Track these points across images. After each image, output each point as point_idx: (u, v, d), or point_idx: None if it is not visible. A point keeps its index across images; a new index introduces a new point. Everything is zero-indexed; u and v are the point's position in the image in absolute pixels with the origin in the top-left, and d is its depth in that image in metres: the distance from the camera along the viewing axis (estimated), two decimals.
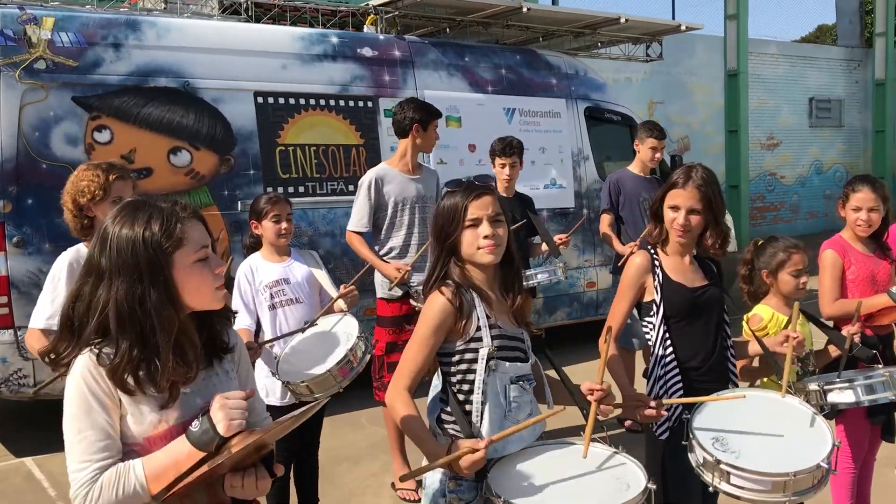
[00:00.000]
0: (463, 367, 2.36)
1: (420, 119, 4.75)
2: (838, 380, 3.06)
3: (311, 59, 6.52)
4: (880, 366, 3.39)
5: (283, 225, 3.96)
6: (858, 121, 20.41)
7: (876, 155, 20.19)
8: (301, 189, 6.32)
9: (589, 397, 2.31)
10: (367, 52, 6.77)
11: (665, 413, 2.65)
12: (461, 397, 2.36)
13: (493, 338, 2.34)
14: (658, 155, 5.64)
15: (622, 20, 7.99)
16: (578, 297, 7.97)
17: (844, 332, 3.42)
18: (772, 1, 43.51)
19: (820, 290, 3.81)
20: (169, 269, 1.82)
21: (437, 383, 2.49)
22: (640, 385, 3.08)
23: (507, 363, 2.36)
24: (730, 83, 16.97)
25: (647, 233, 2.99)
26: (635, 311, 5.62)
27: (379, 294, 4.80)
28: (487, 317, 2.36)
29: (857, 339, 3.37)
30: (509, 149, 5.09)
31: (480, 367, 2.32)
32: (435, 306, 2.33)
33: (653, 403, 2.57)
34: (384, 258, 4.76)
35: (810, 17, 63.42)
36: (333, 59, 6.62)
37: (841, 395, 3.04)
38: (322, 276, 4.05)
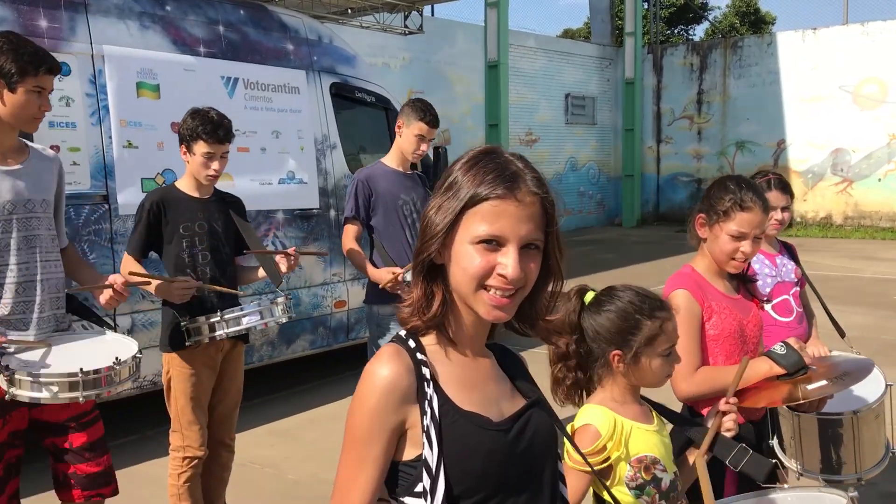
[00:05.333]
0: None
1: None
2: None
3: None
4: (785, 485, 2.14)
5: None
6: (609, 119, 20.87)
7: (626, 153, 20.64)
8: None
9: None
10: None
11: None
12: None
13: None
14: (424, 147, 3.98)
15: None
16: (324, 320, 6.34)
17: (720, 406, 2.13)
18: None
19: None
20: None
21: None
22: None
23: None
24: (490, 75, 16.27)
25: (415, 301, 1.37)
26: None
27: None
28: None
29: (730, 423, 2.09)
30: (226, 133, 3.40)
31: None
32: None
33: None
34: None
35: (565, 13, 66.66)
36: None
37: None
38: None
